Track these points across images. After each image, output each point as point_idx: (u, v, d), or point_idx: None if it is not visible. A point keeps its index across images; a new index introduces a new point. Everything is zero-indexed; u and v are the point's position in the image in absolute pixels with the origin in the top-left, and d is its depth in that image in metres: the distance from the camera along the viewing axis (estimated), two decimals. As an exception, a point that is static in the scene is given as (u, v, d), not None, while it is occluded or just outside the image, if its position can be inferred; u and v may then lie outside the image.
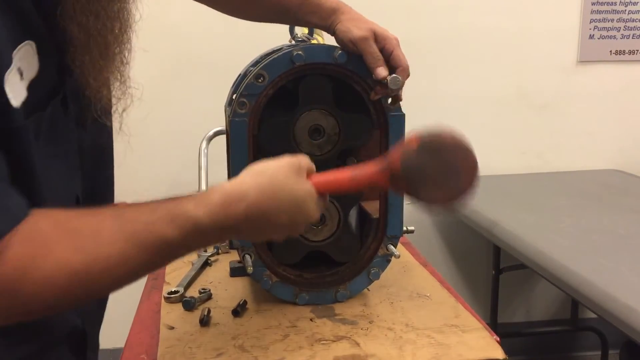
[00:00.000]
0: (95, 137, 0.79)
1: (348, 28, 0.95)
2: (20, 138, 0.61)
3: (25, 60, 0.61)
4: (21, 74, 0.60)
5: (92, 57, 0.68)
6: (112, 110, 0.77)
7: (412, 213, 2.54)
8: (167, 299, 1.07)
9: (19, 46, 0.60)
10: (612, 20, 2.32)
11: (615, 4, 2.31)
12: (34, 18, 0.63)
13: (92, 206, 0.78)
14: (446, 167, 0.73)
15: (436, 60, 2.28)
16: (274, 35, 1.24)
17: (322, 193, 0.76)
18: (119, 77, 0.74)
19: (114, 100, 0.76)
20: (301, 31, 1.19)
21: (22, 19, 0.61)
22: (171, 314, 1.02)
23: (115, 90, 0.75)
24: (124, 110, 0.78)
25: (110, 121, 0.79)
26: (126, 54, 0.74)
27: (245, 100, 0.95)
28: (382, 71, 0.95)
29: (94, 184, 0.81)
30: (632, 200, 1.99)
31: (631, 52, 2.35)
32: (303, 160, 0.75)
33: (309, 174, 0.76)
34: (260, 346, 0.91)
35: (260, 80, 0.95)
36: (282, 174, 0.72)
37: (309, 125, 0.99)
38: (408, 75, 0.96)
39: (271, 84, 0.96)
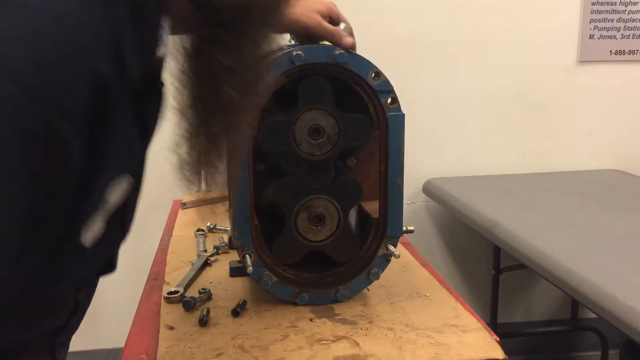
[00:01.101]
0: None
1: (298, 20, 0.97)
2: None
3: (115, 193, 0.55)
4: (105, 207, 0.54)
5: None
6: None
7: (412, 213, 2.54)
8: (167, 299, 1.07)
9: (116, 179, 0.54)
10: (612, 20, 2.32)
11: (615, 4, 2.31)
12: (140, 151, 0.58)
13: None
14: None
15: (436, 60, 2.28)
16: (273, 35, 1.24)
17: None
18: None
19: None
20: (301, 31, 1.19)
21: (129, 152, 0.55)
22: (171, 314, 1.02)
23: None
24: None
25: None
26: None
27: (245, 100, 0.95)
28: (348, 41, 0.98)
29: None
30: (632, 200, 1.99)
31: (631, 52, 2.35)
32: None
33: None
34: (260, 346, 0.91)
35: (260, 80, 0.95)
36: None
37: (308, 125, 0.99)
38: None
39: (271, 84, 0.96)
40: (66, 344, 0.72)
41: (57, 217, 0.48)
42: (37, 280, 0.50)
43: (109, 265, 0.70)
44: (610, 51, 2.34)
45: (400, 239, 1.07)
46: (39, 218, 0.46)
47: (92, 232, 0.53)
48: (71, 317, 0.71)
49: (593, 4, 2.30)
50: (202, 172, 0.64)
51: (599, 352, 2.30)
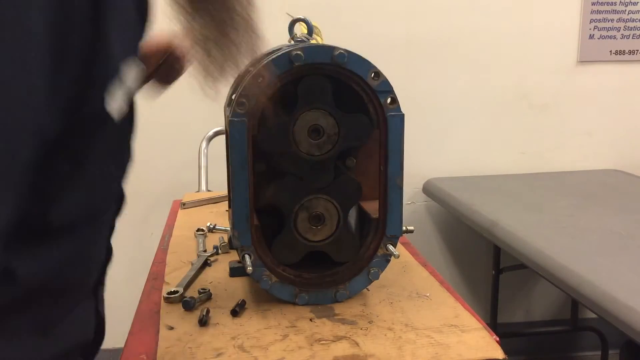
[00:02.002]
0: None
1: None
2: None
3: (130, 77, 0.59)
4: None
5: None
6: None
7: (412, 213, 2.54)
8: (167, 299, 1.07)
9: (128, 59, 0.58)
10: (612, 20, 2.32)
11: (615, 4, 2.31)
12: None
13: None
14: None
15: (436, 60, 2.28)
16: (273, 35, 1.24)
17: None
18: None
19: None
20: (300, 31, 1.19)
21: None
22: (171, 314, 1.02)
23: None
24: None
25: None
26: None
27: (244, 100, 0.95)
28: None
29: None
30: (632, 200, 1.99)
31: (631, 52, 2.36)
32: None
33: None
34: (260, 346, 0.91)
35: (259, 81, 0.95)
36: None
37: (308, 125, 0.99)
38: None
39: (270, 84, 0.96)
40: (102, 305, 0.77)
41: (77, 60, 0.51)
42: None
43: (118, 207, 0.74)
44: (610, 51, 2.34)
45: (400, 239, 1.07)
46: (62, 52, 0.49)
47: (116, 103, 0.55)
48: (104, 270, 0.76)
49: (593, 4, 2.30)
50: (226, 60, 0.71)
51: (599, 352, 2.30)
